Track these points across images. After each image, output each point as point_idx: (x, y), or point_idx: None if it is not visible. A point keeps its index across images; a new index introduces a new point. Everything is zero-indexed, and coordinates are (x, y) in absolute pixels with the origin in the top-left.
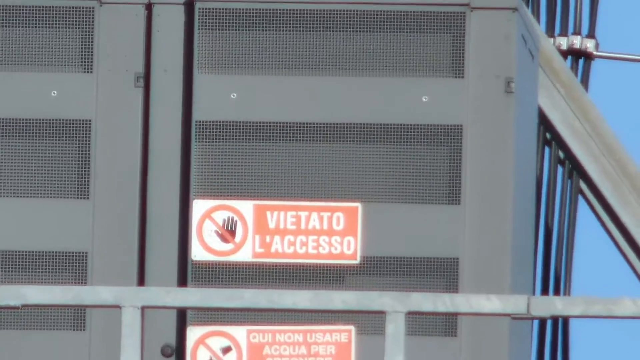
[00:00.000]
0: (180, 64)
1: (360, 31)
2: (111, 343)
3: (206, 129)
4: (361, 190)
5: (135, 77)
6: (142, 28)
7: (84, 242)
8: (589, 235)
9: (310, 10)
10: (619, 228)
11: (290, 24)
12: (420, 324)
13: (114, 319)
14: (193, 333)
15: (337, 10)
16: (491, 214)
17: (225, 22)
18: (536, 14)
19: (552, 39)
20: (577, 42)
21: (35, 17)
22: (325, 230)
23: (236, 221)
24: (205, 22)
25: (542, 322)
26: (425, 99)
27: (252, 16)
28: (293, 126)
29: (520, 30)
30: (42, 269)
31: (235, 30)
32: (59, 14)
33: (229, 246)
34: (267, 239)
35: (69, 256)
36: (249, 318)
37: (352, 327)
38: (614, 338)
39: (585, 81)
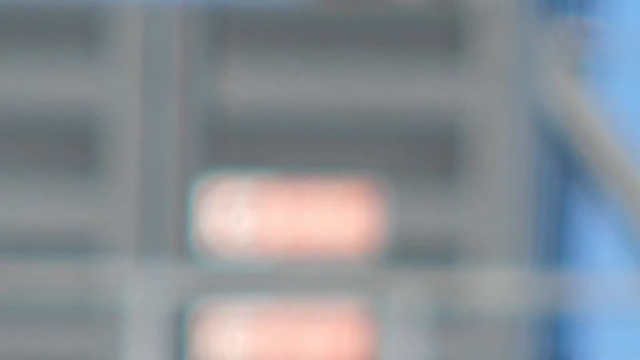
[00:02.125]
0: (183, 65)
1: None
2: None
3: (211, 108)
4: (363, 167)
5: (144, 73)
6: (142, 31)
7: (87, 217)
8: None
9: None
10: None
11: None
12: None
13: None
14: (196, 306)
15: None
16: (496, 190)
17: None
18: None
19: (556, 36)
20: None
21: (43, 20)
22: (327, 207)
23: (239, 195)
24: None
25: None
26: (428, 93)
27: None
28: (295, 100)
29: (524, 28)
30: (47, 246)
31: None
32: (66, 15)
33: (232, 220)
34: (270, 212)
35: (72, 231)
36: (254, 297)
37: (352, 308)
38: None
39: (588, 79)
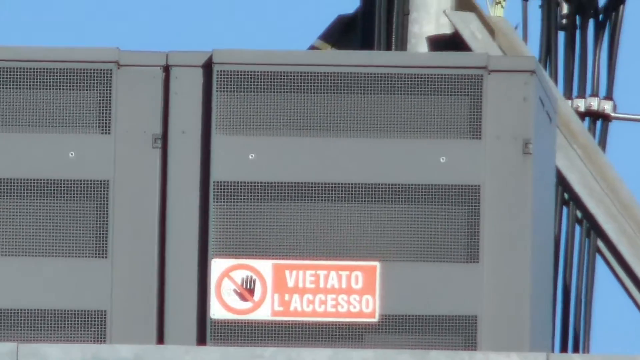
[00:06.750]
0: (198, 125)
1: (379, 94)
2: None
3: (224, 189)
4: (380, 249)
5: (153, 138)
6: (159, 90)
7: (103, 300)
8: (608, 294)
9: (329, 73)
10: (637, 286)
11: (308, 86)
12: None
13: None
14: None
15: (356, 73)
16: (509, 272)
17: (243, 84)
18: (554, 76)
19: (570, 101)
20: (594, 104)
21: (54, 79)
22: (344, 289)
23: (255, 280)
24: (224, 84)
25: None
26: (443, 159)
27: (270, 78)
28: (311, 186)
29: (537, 93)
30: (62, 327)
31: (253, 92)
32: (78, 76)
33: (247, 304)
34: (286, 297)
35: (88, 315)
36: None
37: None
38: None
39: (602, 142)
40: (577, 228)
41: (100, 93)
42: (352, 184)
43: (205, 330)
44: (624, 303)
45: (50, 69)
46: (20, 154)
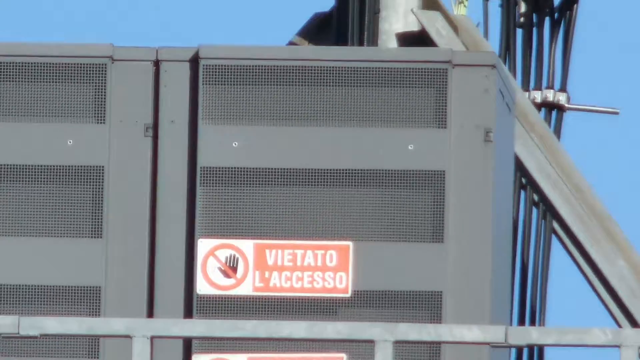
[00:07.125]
0: (186, 116)
1: (353, 86)
2: None
3: (210, 174)
4: (353, 230)
5: (145, 128)
6: (150, 83)
7: (98, 277)
8: (562, 271)
9: (307, 67)
10: (589, 264)
11: (286, 79)
12: (407, 352)
13: (125, 348)
14: None
15: (331, 67)
16: (472, 251)
17: (227, 77)
18: (512, 69)
19: (527, 93)
20: (550, 95)
21: (55, 72)
22: (319, 267)
23: (238, 258)
24: (209, 77)
25: (519, 350)
26: (411, 147)
27: (252, 72)
28: (290, 172)
29: (498, 85)
30: (60, 302)
31: (237, 84)
32: (75, 70)
33: (231, 281)
34: (266, 274)
35: (84, 290)
36: (250, 346)
37: (344, 355)
38: None
39: (557, 131)
40: (535, 211)
41: (95, 85)
42: (327, 169)
43: (192, 304)
44: (577, 280)
45: (52, 63)
46: (23, 142)
